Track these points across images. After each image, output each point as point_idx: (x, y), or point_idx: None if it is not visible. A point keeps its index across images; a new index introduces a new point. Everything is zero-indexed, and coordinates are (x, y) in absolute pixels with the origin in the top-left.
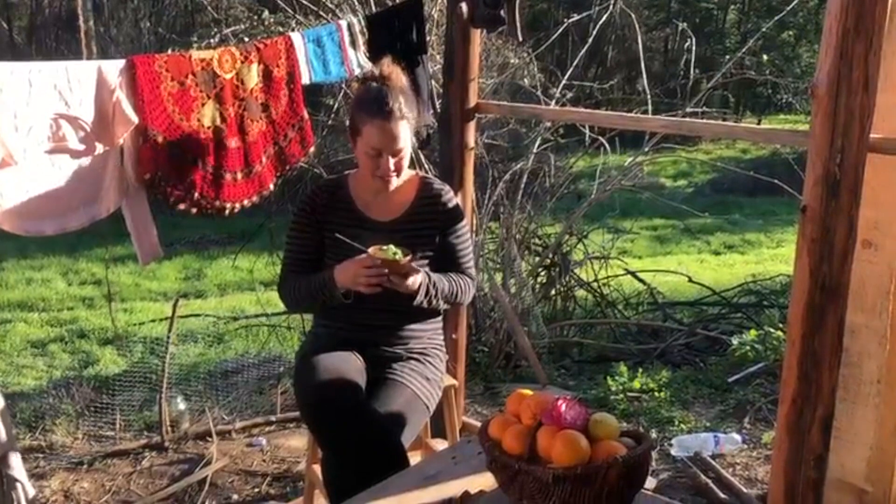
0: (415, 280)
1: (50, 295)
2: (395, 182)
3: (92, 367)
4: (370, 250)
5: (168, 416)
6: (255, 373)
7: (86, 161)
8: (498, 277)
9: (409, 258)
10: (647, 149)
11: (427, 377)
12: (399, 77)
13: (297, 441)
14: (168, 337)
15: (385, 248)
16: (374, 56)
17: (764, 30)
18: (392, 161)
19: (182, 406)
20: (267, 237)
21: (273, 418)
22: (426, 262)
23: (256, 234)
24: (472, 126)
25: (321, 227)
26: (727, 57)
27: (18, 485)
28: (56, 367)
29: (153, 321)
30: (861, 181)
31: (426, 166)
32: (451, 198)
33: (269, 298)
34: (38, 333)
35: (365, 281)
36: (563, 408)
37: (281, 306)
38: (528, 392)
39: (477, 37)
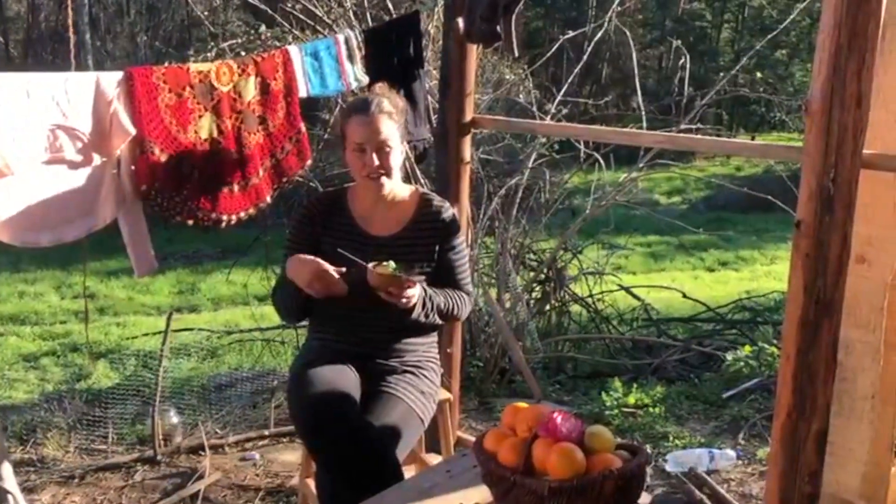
0: (412, 295)
1: (42, 308)
2: (387, 185)
3: (84, 380)
4: (370, 266)
5: (161, 430)
6: (249, 387)
7: (83, 172)
8: (493, 292)
9: (407, 274)
10: (641, 165)
11: (422, 391)
12: (385, 89)
13: (291, 455)
14: (162, 350)
15: (385, 263)
16: (372, 70)
17: (757, 48)
18: (376, 156)
19: (175, 420)
20: (261, 251)
21: (266, 432)
22: (424, 277)
23: (251, 248)
24: (467, 141)
25: (318, 239)
26: (721, 74)
27: (10, 497)
28: (48, 381)
29: (146, 335)
30: (855, 197)
31: (422, 180)
32: (451, 214)
33: (263, 313)
34: (31, 347)
35: (312, 285)
36: (559, 420)
37: (275, 320)
38: (524, 405)
39: (473, 52)
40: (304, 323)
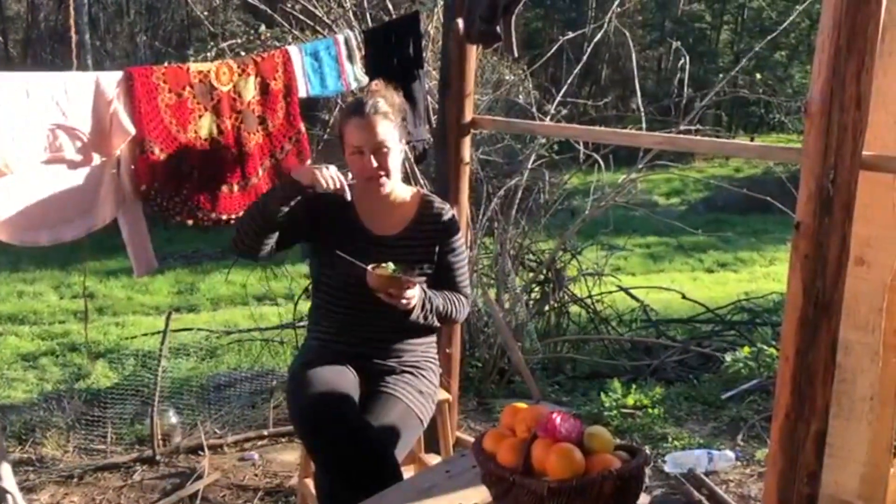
0: (412, 296)
1: (41, 308)
2: (388, 185)
3: (83, 380)
4: (369, 268)
5: (160, 430)
6: (248, 387)
7: (82, 172)
8: (492, 293)
9: (406, 275)
10: (640, 166)
11: (421, 391)
12: (382, 87)
13: (290, 455)
14: (161, 350)
15: (384, 265)
16: (371, 70)
17: (756, 49)
18: (375, 158)
19: (174, 419)
20: None
21: (265, 432)
22: (424, 278)
23: None
24: (467, 141)
25: (318, 229)
26: (720, 76)
27: (9, 496)
28: (47, 381)
29: (145, 335)
30: (854, 198)
31: (421, 181)
32: (452, 216)
33: (262, 313)
34: (29, 346)
35: (321, 175)
36: (558, 421)
37: (274, 320)
38: (523, 405)
39: (473, 52)
40: (304, 323)
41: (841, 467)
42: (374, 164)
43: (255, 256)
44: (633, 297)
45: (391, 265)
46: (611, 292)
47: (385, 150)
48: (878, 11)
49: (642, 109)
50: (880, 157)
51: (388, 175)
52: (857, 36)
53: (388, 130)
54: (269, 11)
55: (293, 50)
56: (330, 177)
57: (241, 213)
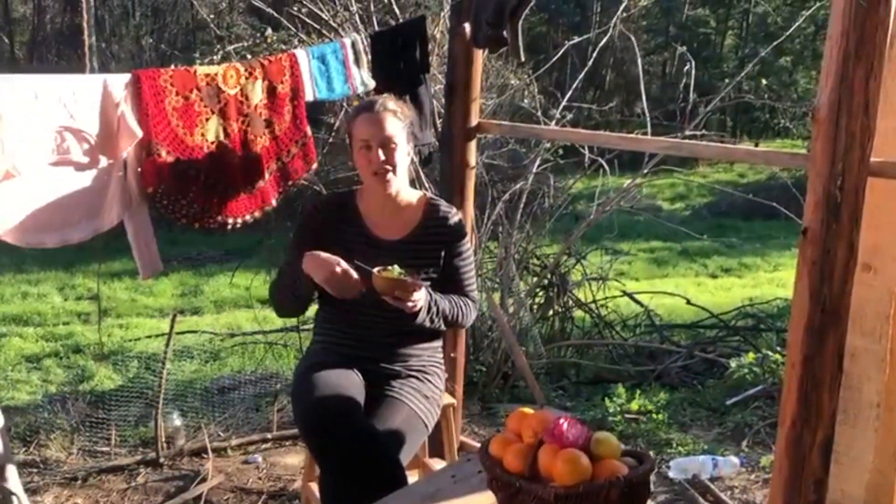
0: (418, 299)
1: (46, 309)
2: (394, 183)
3: (87, 382)
4: (375, 271)
5: (164, 432)
6: (252, 390)
7: (89, 174)
8: (496, 297)
9: (412, 278)
10: (645, 171)
11: (426, 395)
12: (391, 97)
13: (294, 458)
14: (165, 352)
15: (390, 268)
16: (378, 74)
17: (762, 55)
18: (382, 152)
19: (178, 422)
20: (265, 254)
21: (269, 435)
22: (430, 282)
23: (254, 250)
24: (472, 145)
25: (324, 241)
26: (725, 81)
27: (14, 498)
28: (51, 382)
29: (149, 337)
30: (861, 204)
31: (427, 185)
32: (458, 221)
33: (265, 316)
34: (34, 348)
35: (331, 282)
36: (565, 426)
37: (278, 323)
38: (530, 411)
39: (479, 57)
40: (308, 326)
41: (847, 475)
42: (382, 157)
43: (304, 311)
44: (637, 301)
45: (397, 268)
46: (615, 297)
47: (393, 145)
48: (887, 18)
49: (647, 114)
50: (888, 164)
51: (394, 171)
52: (865, 42)
53: (397, 127)
54: (276, 15)
55: (300, 53)
56: (340, 282)
57: (247, 218)
